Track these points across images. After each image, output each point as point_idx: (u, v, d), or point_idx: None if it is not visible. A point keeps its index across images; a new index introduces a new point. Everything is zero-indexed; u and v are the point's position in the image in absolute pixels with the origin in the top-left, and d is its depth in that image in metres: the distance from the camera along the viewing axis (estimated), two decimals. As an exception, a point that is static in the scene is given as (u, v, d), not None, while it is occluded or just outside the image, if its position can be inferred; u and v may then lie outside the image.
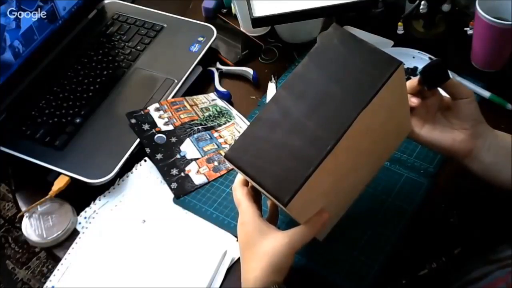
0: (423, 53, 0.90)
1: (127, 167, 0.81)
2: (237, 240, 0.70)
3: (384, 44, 0.96)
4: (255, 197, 0.63)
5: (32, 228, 0.77)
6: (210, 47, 0.97)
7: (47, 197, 0.78)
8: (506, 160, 0.64)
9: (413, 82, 0.64)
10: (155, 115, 0.86)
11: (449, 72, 0.85)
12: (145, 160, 0.83)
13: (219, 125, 0.87)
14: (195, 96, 0.92)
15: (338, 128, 0.53)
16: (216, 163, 0.81)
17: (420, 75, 0.64)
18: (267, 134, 0.55)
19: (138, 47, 0.98)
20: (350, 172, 0.60)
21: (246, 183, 0.63)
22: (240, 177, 0.64)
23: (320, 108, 0.55)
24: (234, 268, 0.70)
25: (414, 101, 0.65)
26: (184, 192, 0.78)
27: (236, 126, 0.87)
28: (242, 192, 0.62)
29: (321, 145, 0.53)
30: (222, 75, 0.96)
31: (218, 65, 0.97)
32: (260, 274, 0.58)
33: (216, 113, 0.89)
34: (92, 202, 0.79)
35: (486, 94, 0.84)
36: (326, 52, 0.57)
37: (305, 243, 0.59)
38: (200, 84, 0.94)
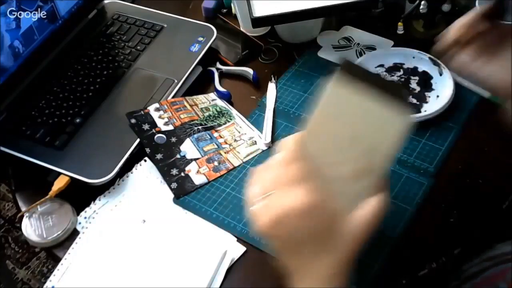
0: (423, 53, 0.90)
1: (127, 167, 0.81)
2: (236, 240, 0.69)
3: (384, 44, 0.96)
4: None
5: (32, 228, 0.77)
6: (210, 47, 0.97)
7: (47, 197, 0.78)
8: None
9: (476, 13, 0.61)
10: (155, 115, 0.86)
11: (449, 72, 0.85)
12: (145, 160, 0.83)
13: (219, 125, 0.87)
14: (195, 96, 0.92)
15: None
16: (216, 163, 0.81)
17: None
18: None
19: (138, 47, 0.98)
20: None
21: None
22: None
23: None
24: (234, 268, 0.70)
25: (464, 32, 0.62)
26: (184, 192, 0.78)
27: (236, 126, 0.87)
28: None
29: None
30: (222, 75, 0.96)
31: (218, 65, 0.97)
32: (339, 271, 0.50)
33: (216, 113, 0.89)
34: (92, 202, 0.79)
35: (486, 94, 0.84)
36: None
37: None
38: (200, 84, 0.94)
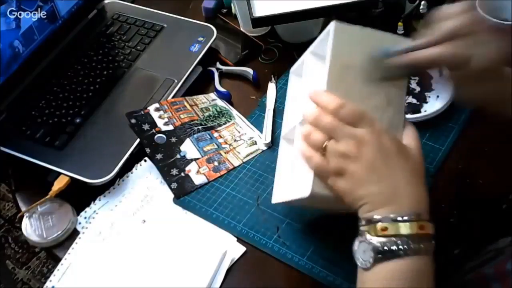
0: (423, 53, 0.89)
1: (127, 167, 0.81)
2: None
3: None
4: None
5: (32, 228, 0.77)
6: (210, 47, 0.97)
7: (47, 197, 0.78)
8: None
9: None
10: (155, 115, 0.86)
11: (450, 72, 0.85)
12: (145, 160, 0.83)
13: (219, 125, 0.87)
14: (195, 96, 0.92)
15: None
16: (216, 163, 0.81)
17: None
18: None
19: (138, 47, 0.98)
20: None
21: None
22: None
23: None
24: (234, 268, 0.70)
25: None
26: (184, 192, 0.78)
27: (236, 126, 0.87)
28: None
29: None
30: (222, 75, 0.96)
31: (218, 65, 0.97)
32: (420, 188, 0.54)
33: (216, 113, 0.89)
34: (92, 202, 0.79)
35: (486, 94, 0.84)
36: None
37: None
38: (200, 84, 0.94)
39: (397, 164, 0.54)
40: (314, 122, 0.56)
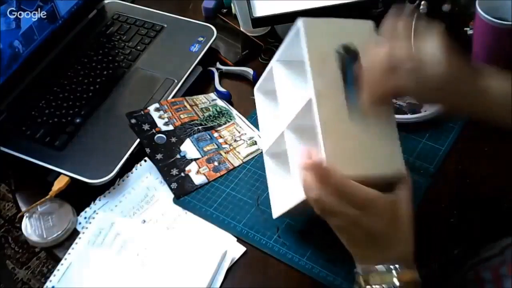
0: (423, 53, 0.89)
1: (127, 167, 0.81)
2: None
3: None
4: None
5: (32, 228, 0.77)
6: (210, 47, 0.97)
7: (47, 197, 0.78)
8: None
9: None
10: (155, 115, 0.86)
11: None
12: (145, 160, 0.83)
13: (219, 125, 0.87)
14: (195, 96, 0.92)
15: None
16: (216, 163, 0.81)
17: None
18: None
19: (138, 47, 0.98)
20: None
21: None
22: None
23: None
24: (234, 268, 0.70)
25: None
26: (184, 192, 0.78)
27: (236, 126, 0.87)
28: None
29: None
30: (222, 75, 0.96)
31: (218, 65, 0.97)
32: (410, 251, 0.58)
33: (216, 113, 0.89)
34: (92, 202, 0.79)
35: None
36: None
37: None
38: (200, 84, 0.94)
39: (390, 239, 0.58)
40: (316, 204, 0.57)
